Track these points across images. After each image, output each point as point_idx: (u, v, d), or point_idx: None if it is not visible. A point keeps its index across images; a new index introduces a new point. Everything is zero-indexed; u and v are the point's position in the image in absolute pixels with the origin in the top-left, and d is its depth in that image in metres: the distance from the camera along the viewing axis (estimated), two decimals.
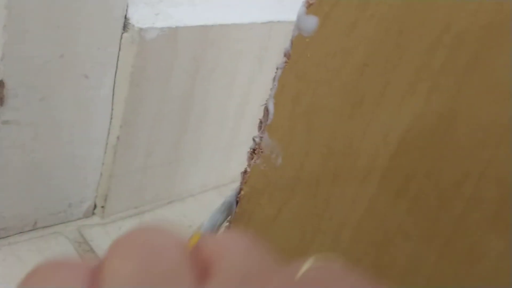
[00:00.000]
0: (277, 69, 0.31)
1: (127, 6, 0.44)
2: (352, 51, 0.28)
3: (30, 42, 0.39)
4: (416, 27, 0.25)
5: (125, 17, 0.44)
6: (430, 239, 0.27)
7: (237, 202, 0.34)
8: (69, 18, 0.40)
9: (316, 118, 0.30)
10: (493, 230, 0.25)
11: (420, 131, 0.26)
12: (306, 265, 0.14)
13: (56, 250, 0.48)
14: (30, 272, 0.14)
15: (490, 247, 0.25)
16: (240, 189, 0.34)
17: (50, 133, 0.45)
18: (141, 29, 0.44)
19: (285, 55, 0.30)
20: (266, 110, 0.32)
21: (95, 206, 0.53)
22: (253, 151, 0.33)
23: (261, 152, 0.33)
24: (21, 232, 0.48)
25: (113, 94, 0.47)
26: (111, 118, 0.48)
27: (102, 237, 0.51)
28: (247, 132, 0.61)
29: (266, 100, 0.32)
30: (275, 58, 0.53)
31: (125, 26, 0.44)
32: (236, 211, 0.35)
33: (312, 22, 0.28)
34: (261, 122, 0.33)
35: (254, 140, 0.33)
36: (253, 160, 0.33)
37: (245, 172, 0.34)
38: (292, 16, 0.30)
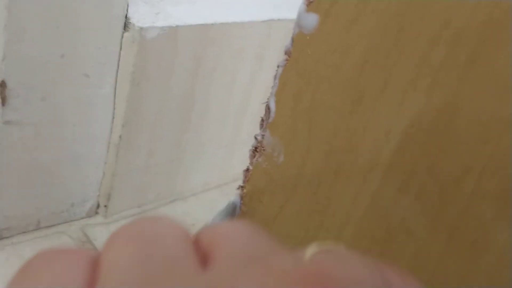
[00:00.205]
0: (278, 67, 0.31)
1: (128, 6, 0.44)
2: (352, 48, 0.28)
3: (31, 42, 0.39)
4: (416, 23, 0.25)
5: (126, 17, 0.44)
6: (433, 235, 0.27)
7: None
8: (70, 17, 0.40)
9: (317, 115, 0.30)
10: (496, 225, 0.25)
11: (421, 127, 0.26)
12: (311, 250, 0.13)
13: None
14: (29, 260, 0.13)
15: (493, 242, 0.25)
16: (243, 188, 0.34)
17: (52, 133, 0.45)
18: (141, 28, 0.44)
19: (285, 53, 0.31)
20: (268, 108, 0.32)
21: (98, 205, 0.53)
22: (255, 149, 0.34)
23: (263, 150, 0.33)
24: (24, 232, 0.48)
25: (114, 93, 0.47)
26: (113, 117, 0.48)
27: (105, 236, 0.51)
28: (248, 130, 0.61)
29: (268, 98, 0.32)
30: (275, 56, 0.53)
31: (126, 25, 0.44)
32: (242, 202, 0.34)
33: (312, 19, 0.28)
34: (262, 120, 0.33)
35: (256, 138, 0.33)
36: (255, 158, 0.33)
37: (247, 170, 0.34)
38: (292, 14, 0.30)
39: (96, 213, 0.53)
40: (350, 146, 0.29)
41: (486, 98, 0.24)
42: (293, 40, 0.30)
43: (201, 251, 0.14)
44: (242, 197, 0.34)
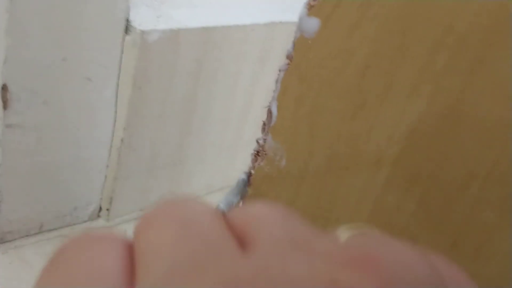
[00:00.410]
0: (279, 71, 0.31)
1: (129, 9, 0.44)
2: (354, 52, 0.28)
3: (33, 45, 0.39)
4: (418, 28, 0.25)
5: (127, 20, 0.44)
6: (437, 240, 0.27)
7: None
8: (71, 21, 0.40)
9: (319, 120, 0.30)
10: (500, 231, 0.25)
11: (424, 132, 0.26)
12: (346, 232, 0.13)
13: None
14: (61, 248, 0.13)
15: (497, 248, 0.25)
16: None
17: (54, 137, 0.45)
18: (143, 32, 0.44)
19: (287, 57, 0.30)
20: (269, 112, 0.32)
21: (100, 209, 0.53)
22: (257, 153, 0.33)
23: (265, 154, 0.33)
24: (27, 236, 0.48)
25: (116, 97, 0.47)
26: (115, 121, 0.48)
27: None
28: (251, 132, 0.61)
29: (269, 102, 0.32)
30: (277, 59, 0.53)
31: (127, 28, 0.44)
32: (248, 192, 0.34)
33: (314, 23, 0.28)
34: (264, 124, 0.33)
35: (257, 142, 0.33)
36: (257, 162, 0.33)
37: (249, 174, 0.34)
38: (295, 17, 0.30)
39: (98, 216, 0.53)
40: (352, 151, 0.29)
41: (489, 103, 0.24)
42: (294, 44, 0.30)
43: (236, 232, 0.13)
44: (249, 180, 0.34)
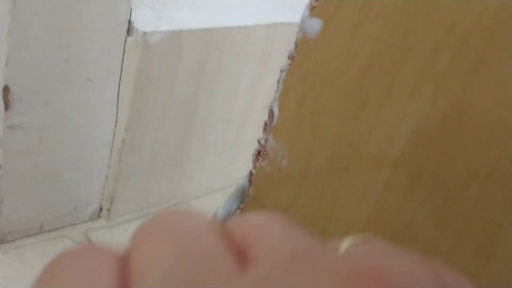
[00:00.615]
0: (281, 71, 0.31)
1: (131, 10, 0.44)
2: (356, 53, 0.28)
3: (34, 47, 0.39)
4: (420, 28, 0.25)
5: (129, 21, 0.44)
6: (438, 240, 0.27)
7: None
8: (73, 22, 0.40)
9: (321, 120, 0.30)
10: (501, 231, 0.25)
11: (425, 133, 0.26)
12: (347, 242, 0.13)
13: None
14: (55, 258, 0.13)
15: (499, 247, 0.25)
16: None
17: (55, 137, 0.45)
18: (145, 33, 0.44)
19: (289, 58, 0.30)
20: (271, 112, 0.32)
21: (101, 209, 0.53)
22: (258, 153, 0.33)
23: (266, 154, 0.33)
24: (27, 236, 0.48)
25: (117, 98, 0.47)
26: (116, 121, 0.48)
27: (108, 240, 0.51)
28: (252, 133, 0.61)
29: (271, 103, 0.32)
30: (279, 60, 0.53)
31: (129, 30, 0.44)
32: (248, 195, 0.34)
33: (316, 24, 0.28)
34: (265, 124, 0.33)
35: (259, 142, 0.33)
36: (258, 162, 0.33)
37: (250, 174, 0.34)
38: (297, 18, 0.30)
39: (99, 216, 0.53)
40: (354, 151, 0.29)
41: (492, 104, 0.24)
42: (296, 45, 0.30)
43: (236, 245, 0.13)
44: (250, 181, 0.34)
